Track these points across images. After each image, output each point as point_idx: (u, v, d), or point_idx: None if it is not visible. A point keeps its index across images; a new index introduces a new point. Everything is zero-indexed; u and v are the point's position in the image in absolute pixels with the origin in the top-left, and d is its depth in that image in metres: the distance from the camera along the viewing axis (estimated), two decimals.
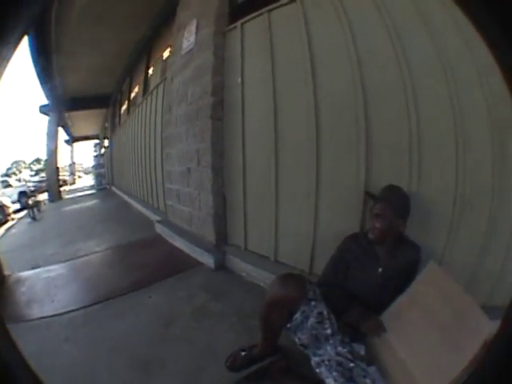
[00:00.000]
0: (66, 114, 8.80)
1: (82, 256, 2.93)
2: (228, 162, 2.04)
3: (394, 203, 1.21)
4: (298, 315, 1.08)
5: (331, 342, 1.07)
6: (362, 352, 1.08)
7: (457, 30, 1.26)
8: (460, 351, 0.99)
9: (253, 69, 2.04)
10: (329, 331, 1.08)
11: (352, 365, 1.02)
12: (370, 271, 1.22)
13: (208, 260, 2.18)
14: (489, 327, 1.00)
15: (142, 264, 2.46)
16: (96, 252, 3.03)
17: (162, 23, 4.55)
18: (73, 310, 1.84)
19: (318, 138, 1.59)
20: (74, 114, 8.77)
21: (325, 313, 1.10)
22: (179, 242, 2.70)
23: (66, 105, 7.64)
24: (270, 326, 1.20)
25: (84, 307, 1.85)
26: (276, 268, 1.81)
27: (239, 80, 2.11)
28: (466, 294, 1.13)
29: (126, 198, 5.77)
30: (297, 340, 1.10)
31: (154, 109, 3.86)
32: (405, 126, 1.42)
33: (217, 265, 2.12)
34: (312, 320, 1.08)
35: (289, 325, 1.09)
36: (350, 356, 1.04)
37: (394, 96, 1.44)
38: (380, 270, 1.22)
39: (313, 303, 1.10)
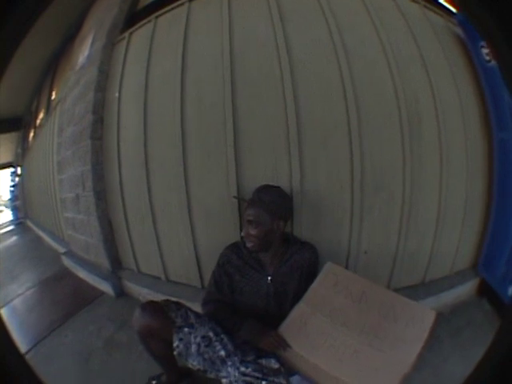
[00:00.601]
0: None
1: (10, 301, 2.67)
2: (108, 183, 1.92)
3: (268, 205, 1.11)
4: (176, 343, 1.00)
5: (229, 363, 0.99)
6: (276, 365, 0.98)
7: None
8: (397, 347, 0.91)
9: (129, 81, 1.97)
10: (222, 353, 1.00)
11: (264, 383, 0.94)
12: (258, 282, 1.15)
13: (107, 288, 2.07)
14: (422, 313, 0.95)
15: (55, 301, 2.36)
16: (19, 295, 2.80)
17: (71, 37, 4.25)
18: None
19: (184, 147, 1.55)
20: None
21: (211, 334, 1.02)
22: (82, 273, 2.51)
23: None
24: (155, 356, 1.10)
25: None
26: (169, 288, 1.75)
27: (116, 94, 2.01)
28: (378, 286, 1.08)
29: (36, 230, 5.29)
30: (191, 366, 1.02)
31: (51, 131, 3.55)
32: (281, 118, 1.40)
33: (116, 292, 2.01)
34: (195, 346, 1.00)
35: (175, 352, 1.00)
36: (258, 374, 0.95)
37: (267, 89, 1.45)
38: (269, 278, 1.14)
39: (186, 329, 1.01)
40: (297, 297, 1.10)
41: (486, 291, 1.65)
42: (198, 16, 1.75)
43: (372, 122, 1.46)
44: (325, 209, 1.47)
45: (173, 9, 1.88)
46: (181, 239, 1.64)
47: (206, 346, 1.00)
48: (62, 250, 3.31)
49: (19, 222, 7.88)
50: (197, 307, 1.19)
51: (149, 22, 1.99)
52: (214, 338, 1.01)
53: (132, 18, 2.30)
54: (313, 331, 0.99)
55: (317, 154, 1.43)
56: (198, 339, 1.00)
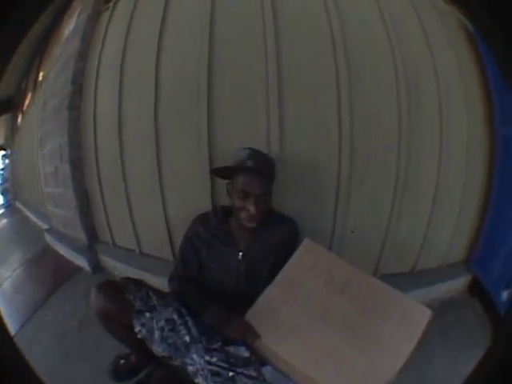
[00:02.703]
0: None
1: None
2: (85, 153, 1.87)
3: (269, 173, 0.99)
4: (138, 329, 0.87)
5: (193, 350, 0.86)
6: (245, 353, 0.87)
7: None
8: (383, 349, 0.78)
9: (108, 50, 1.91)
10: (187, 338, 0.88)
11: (231, 374, 0.83)
12: (227, 258, 1.04)
13: (84, 264, 2.02)
14: (415, 310, 0.80)
15: (38, 280, 2.39)
16: (7, 278, 2.71)
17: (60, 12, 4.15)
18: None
19: (156, 108, 1.48)
20: None
21: (175, 317, 0.90)
22: (62, 249, 2.47)
23: None
24: (118, 339, 1.00)
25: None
26: (142, 262, 1.71)
27: (96, 62, 1.96)
28: (366, 274, 0.92)
29: (25, 211, 5.24)
30: (155, 352, 0.88)
31: (37, 108, 3.48)
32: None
33: (92, 267, 1.97)
34: (158, 332, 0.87)
35: (139, 336, 0.88)
36: (224, 364, 0.84)
37: (248, 41, 1.38)
38: (240, 254, 1.03)
39: (147, 314, 0.88)
40: (271, 277, 0.98)
41: (477, 290, 1.57)
42: None
43: (364, 80, 1.34)
44: (307, 177, 1.36)
45: None
46: (151, 209, 1.59)
47: (170, 330, 0.89)
48: (45, 226, 3.26)
49: (9, 205, 7.81)
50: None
51: None
52: (178, 321, 0.90)
53: None
54: (284, 322, 0.87)
55: (299, 113, 1.33)
56: (162, 323, 0.89)
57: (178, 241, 1.49)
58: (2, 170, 7.98)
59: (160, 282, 1.29)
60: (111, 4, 2.07)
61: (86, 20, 2.21)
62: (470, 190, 1.57)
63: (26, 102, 5.37)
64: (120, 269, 1.80)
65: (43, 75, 3.71)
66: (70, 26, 2.80)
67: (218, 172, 1.11)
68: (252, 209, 0.93)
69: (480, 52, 1.59)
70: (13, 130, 6.72)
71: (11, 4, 0.41)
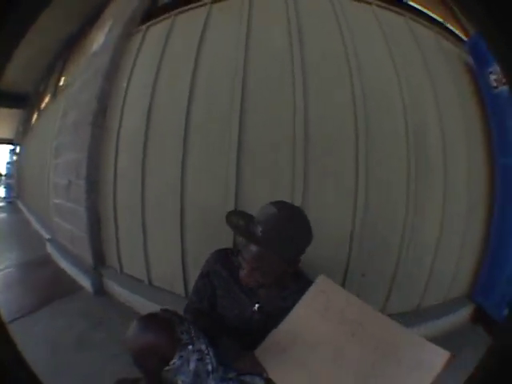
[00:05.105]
0: None
1: None
2: (103, 174, 1.85)
3: (281, 246, 0.82)
4: (174, 361, 0.85)
5: (211, 378, 0.87)
6: (261, 383, 0.86)
7: None
8: None
9: (139, 74, 1.92)
10: (209, 367, 0.88)
11: None
12: (243, 305, 0.98)
13: (86, 283, 1.96)
14: (433, 354, 0.71)
15: (32, 286, 2.27)
16: None
17: (90, 22, 4.23)
18: None
19: (185, 148, 1.50)
20: None
21: (203, 348, 0.89)
22: (63, 263, 2.41)
23: None
24: (144, 370, 0.94)
25: None
26: (152, 293, 1.66)
27: (124, 84, 1.96)
28: (380, 315, 0.85)
29: (26, 213, 5.21)
30: (180, 382, 0.87)
31: (56, 114, 3.49)
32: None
33: (95, 289, 1.91)
34: (193, 363, 0.87)
35: (167, 368, 0.86)
36: None
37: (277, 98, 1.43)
38: (256, 306, 0.97)
39: (190, 347, 0.87)
40: None
41: (480, 317, 1.65)
42: (217, 19, 1.74)
43: (379, 139, 1.46)
44: (324, 229, 1.38)
45: (193, 8, 1.87)
46: (169, 243, 1.56)
47: (199, 360, 0.88)
48: (46, 235, 3.26)
49: (10, 201, 7.75)
50: None
51: (167, 18, 1.98)
52: (205, 351, 0.89)
53: (152, 12, 2.29)
54: (293, 362, 0.83)
55: (321, 170, 1.40)
56: (195, 355, 0.87)
57: (192, 279, 1.51)
58: (9, 164, 7.90)
59: None
60: (144, 27, 2.12)
61: (117, 39, 2.23)
62: (472, 226, 1.68)
63: (44, 104, 5.42)
64: (126, 296, 1.74)
65: (66, 83, 3.75)
66: (99, 38, 2.84)
67: (228, 220, 0.94)
68: (243, 274, 0.88)
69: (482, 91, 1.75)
70: (25, 127, 6.73)
71: (11, 4, 0.41)
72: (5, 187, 7.99)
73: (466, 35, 2.09)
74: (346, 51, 1.50)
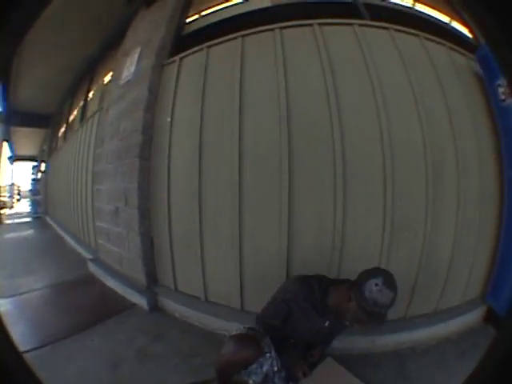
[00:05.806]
0: (12, 129, 7.89)
1: (24, 293, 2.73)
2: (154, 203, 2.01)
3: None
4: (254, 366, 1.15)
5: (277, 378, 1.17)
6: None
7: None
8: None
9: (183, 108, 2.05)
10: (275, 369, 1.17)
11: None
12: (315, 322, 1.18)
13: (141, 301, 2.12)
14: None
15: (78, 305, 2.37)
16: (35, 290, 2.83)
17: (110, 45, 4.35)
18: (25, 352, 1.68)
19: (241, 183, 1.66)
20: (20, 129, 7.71)
21: (273, 354, 1.17)
22: (111, 283, 2.55)
23: (16, 117, 6.81)
24: (226, 375, 1.21)
25: (34, 349, 1.74)
26: (208, 307, 1.84)
27: (169, 119, 2.10)
28: None
29: (58, 230, 5.35)
30: (251, 382, 1.17)
31: (88, 139, 3.67)
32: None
33: (150, 306, 2.07)
34: (266, 367, 1.16)
35: (244, 371, 1.16)
36: None
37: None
38: (327, 323, 1.19)
39: (268, 355, 1.16)
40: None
41: (491, 317, 1.73)
42: (253, 54, 1.85)
43: (401, 173, 1.60)
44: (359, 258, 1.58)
45: (225, 41, 1.98)
46: (227, 265, 1.72)
47: (270, 364, 1.16)
48: (87, 255, 3.40)
49: (37, 216, 8.04)
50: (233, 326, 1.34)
51: (200, 50, 2.07)
52: (274, 356, 1.16)
53: (181, 42, 2.41)
54: None
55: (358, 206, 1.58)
56: (269, 360, 1.16)
57: (248, 293, 1.70)
58: (34, 180, 8.14)
59: (227, 326, 1.55)
60: (177, 59, 2.23)
61: (151, 69, 2.34)
62: (483, 237, 1.76)
63: (69, 125, 5.60)
64: (183, 312, 1.90)
65: (96, 108, 3.90)
66: (129, 67, 2.94)
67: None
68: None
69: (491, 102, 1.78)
70: (50, 146, 6.93)
71: (11, 4, 0.41)
72: (31, 203, 8.28)
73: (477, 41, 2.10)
74: (377, 106, 1.63)
